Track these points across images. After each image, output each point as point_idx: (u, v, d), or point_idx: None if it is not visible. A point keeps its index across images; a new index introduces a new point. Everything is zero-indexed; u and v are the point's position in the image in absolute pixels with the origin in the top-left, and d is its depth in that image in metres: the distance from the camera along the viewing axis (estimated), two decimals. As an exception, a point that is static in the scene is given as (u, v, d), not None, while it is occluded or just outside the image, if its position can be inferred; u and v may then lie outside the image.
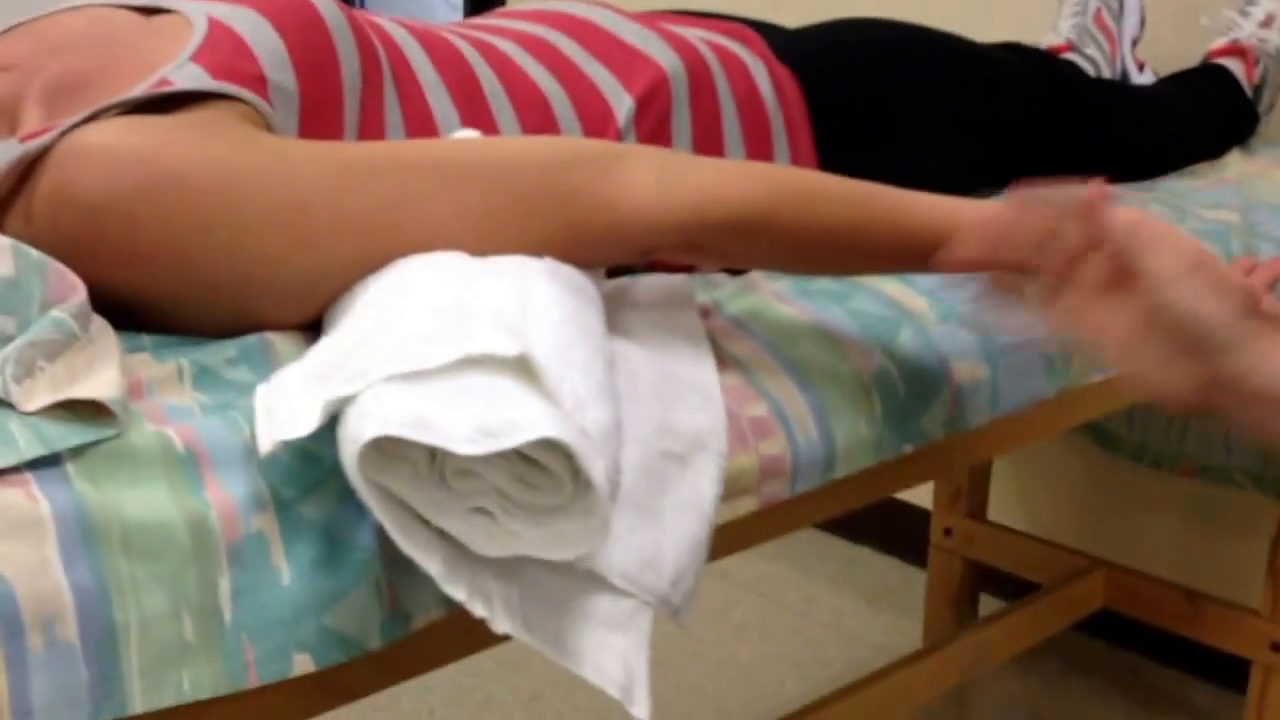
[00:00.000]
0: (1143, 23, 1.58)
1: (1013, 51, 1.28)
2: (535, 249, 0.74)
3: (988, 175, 1.21)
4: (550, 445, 0.57)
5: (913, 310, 0.91)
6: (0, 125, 0.73)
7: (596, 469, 0.58)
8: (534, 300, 0.69)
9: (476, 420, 0.56)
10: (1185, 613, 1.67)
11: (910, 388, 0.86)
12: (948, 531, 1.97)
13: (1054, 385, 0.95)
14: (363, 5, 3.59)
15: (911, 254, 0.77)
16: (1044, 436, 1.01)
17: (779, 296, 0.91)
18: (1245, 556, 1.83)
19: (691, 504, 0.73)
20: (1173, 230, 0.69)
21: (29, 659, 0.51)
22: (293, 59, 0.80)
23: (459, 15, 2.99)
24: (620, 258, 0.77)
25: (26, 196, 0.70)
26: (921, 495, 2.21)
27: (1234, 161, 1.38)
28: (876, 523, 2.33)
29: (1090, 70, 1.47)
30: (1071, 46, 1.49)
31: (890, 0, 2.11)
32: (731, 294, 0.91)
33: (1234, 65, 1.45)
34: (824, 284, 0.95)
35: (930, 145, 1.11)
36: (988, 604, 2.05)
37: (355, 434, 0.56)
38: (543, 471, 0.58)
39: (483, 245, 0.73)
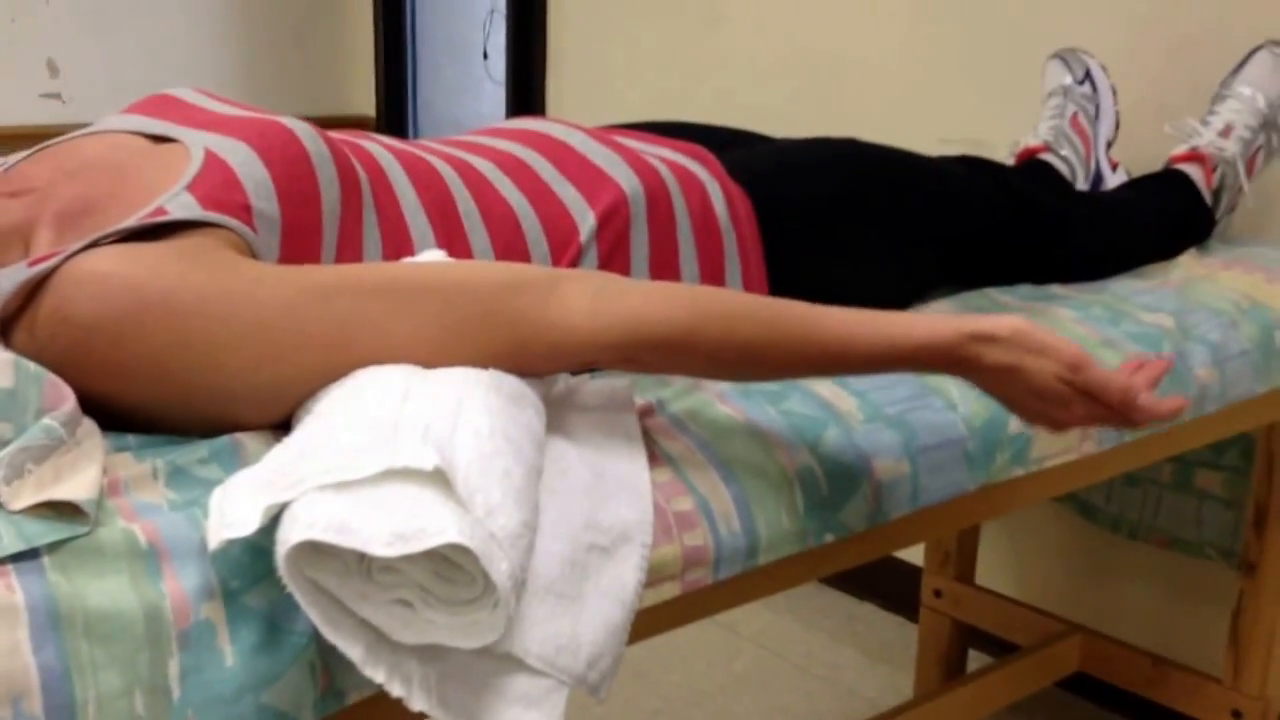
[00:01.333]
0: (1117, 125, 1.65)
1: (965, 164, 1.36)
2: (484, 363, 0.83)
3: (941, 281, 1.29)
4: (461, 547, 0.66)
5: (841, 411, 0.99)
6: (16, 247, 0.84)
7: (499, 569, 0.66)
8: (466, 411, 0.78)
9: (393, 526, 0.65)
10: (1153, 678, 1.72)
11: (832, 483, 0.94)
12: (938, 593, 2.03)
13: (975, 479, 1.02)
14: (414, 68, 3.72)
15: (824, 363, 0.85)
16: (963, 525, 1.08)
17: (720, 397, 0.99)
18: (1212, 624, 1.88)
19: (613, 591, 0.81)
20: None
21: (-4, 731, 0.60)
22: (277, 189, 0.90)
23: (502, 89, 3.11)
24: (563, 368, 0.86)
25: (31, 314, 0.80)
26: (917, 554, 2.27)
27: (1184, 263, 1.44)
28: (876, 579, 2.39)
29: (1065, 170, 1.54)
30: (1048, 148, 1.57)
31: (892, 108, 2.20)
32: (677, 393, 1.00)
33: (1193, 171, 1.51)
34: (763, 386, 1.03)
35: (880, 258, 1.18)
36: (976, 659, 2.10)
37: (286, 536, 0.65)
38: (457, 568, 0.67)
39: (435, 359, 0.82)
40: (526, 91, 2.99)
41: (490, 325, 0.82)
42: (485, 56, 3.53)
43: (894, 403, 1.01)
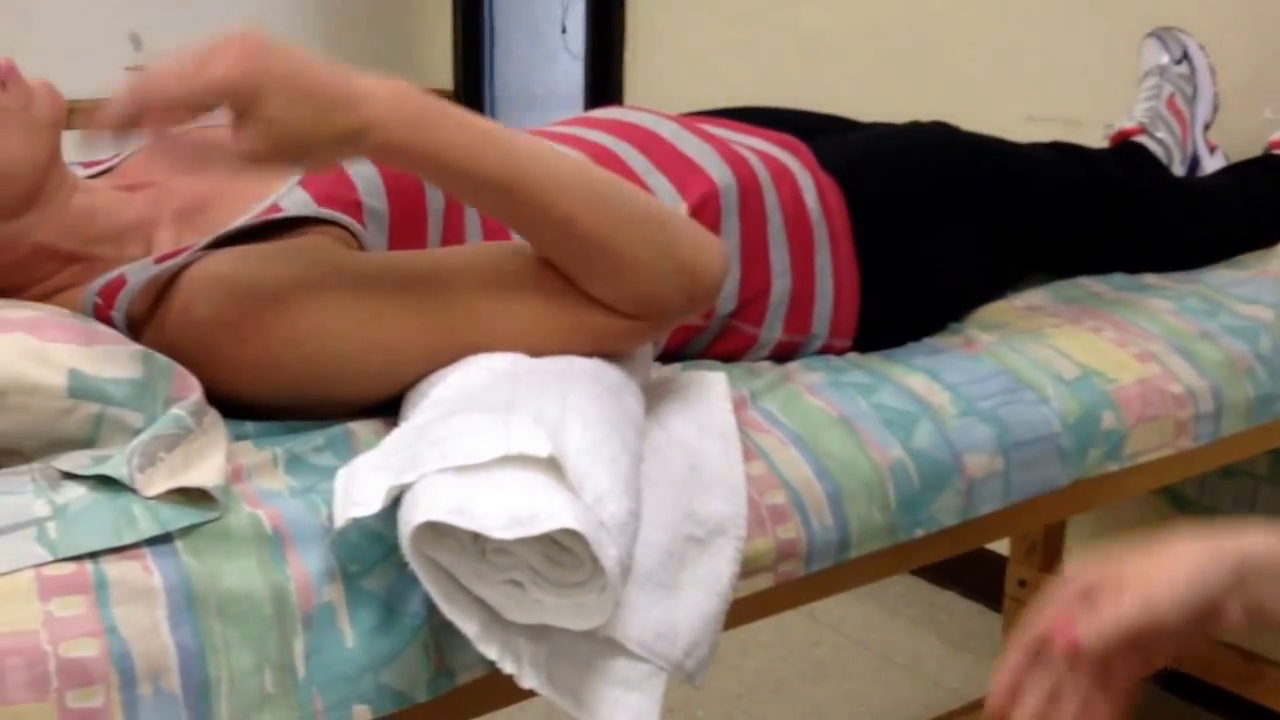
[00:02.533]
0: (1216, 108, 1.62)
1: (1057, 150, 1.35)
2: (577, 351, 0.86)
3: (1033, 268, 1.29)
4: (571, 532, 0.68)
5: (934, 404, 1.00)
6: (138, 242, 0.88)
7: (609, 555, 0.69)
8: (573, 399, 0.80)
9: (509, 510, 0.68)
10: (1246, 674, 1.70)
11: (924, 477, 0.95)
12: (1022, 583, 2.02)
13: (1067, 475, 1.03)
14: (491, 42, 3.76)
15: None
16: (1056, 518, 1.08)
17: (810, 389, 1.01)
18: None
19: (709, 583, 0.83)
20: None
21: (140, 705, 0.64)
22: (386, 185, 0.93)
23: (579, 65, 3.12)
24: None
25: (161, 311, 0.84)
26: (1002, 543, 2.26)
27: (1280, 253, 1.42)
28: (960, 568, 2.39)
29: (1161, 154, 1.52)
30: (1143, 129, 1.55)
31: (978, 85, 2.18)
32: (768, 385, 1.01)
33: (1292, 156, 1.49)
34: (855, 377, 1.04)
35: (971, 246, 1.19)
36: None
37: (409, 516, 0.68)
38: (566, 552, 0.70)
39: (537, 342, 0.85)
40: (604, 66, 2.99)
41: (576, 327, 0.86)
42: (564, 30, 3.55)
43: (987, 396, 1.02)
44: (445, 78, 3.73)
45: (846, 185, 1.13)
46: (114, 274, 0.86)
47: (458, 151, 0.78)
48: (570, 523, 0.67)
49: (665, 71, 2.89)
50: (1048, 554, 2.02)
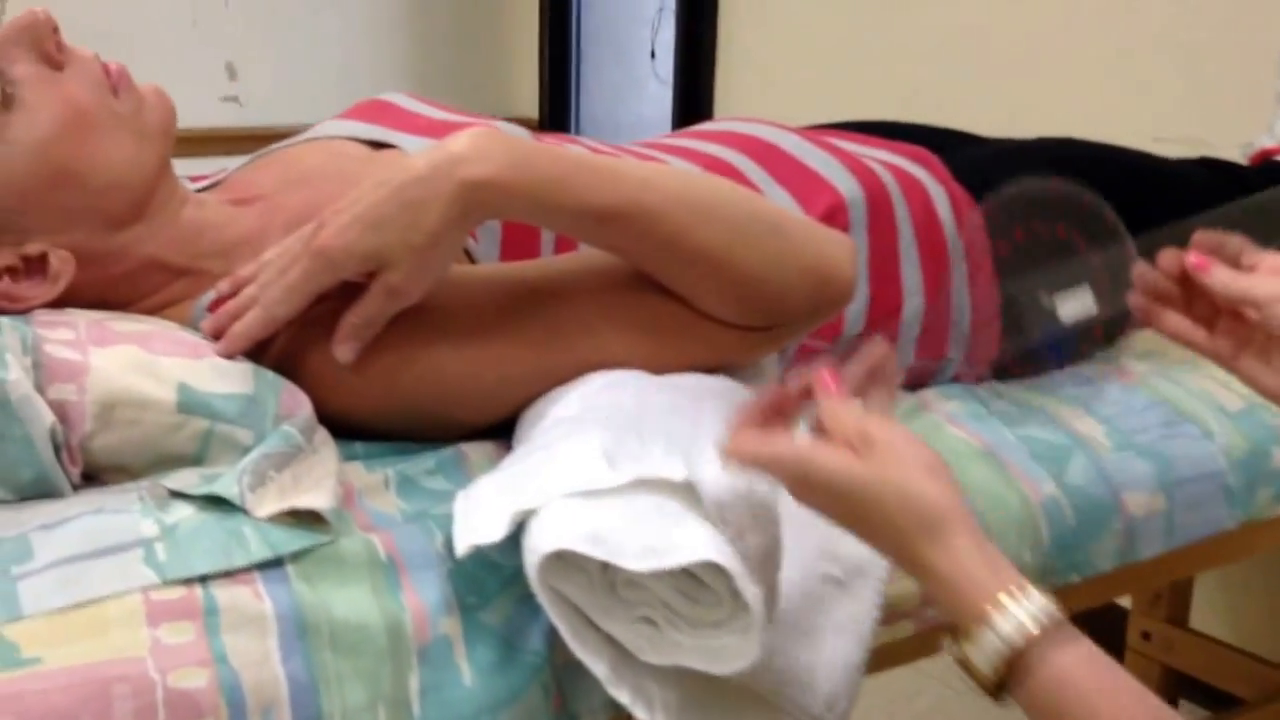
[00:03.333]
0: (1359, 125, 1.52)
1: (1205, 166, 1.27)
2: (698, 365, 0.81)
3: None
4: (711, 565, 0.62)
5: (1087, 436, 0.92)
6: (246, 257, 0.84)
7: (752, 592, 0.63)
8: (706, 421, 0.75)
9: (645, 539, 0.62)
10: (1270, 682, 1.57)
11: (1081, 517, 0.88)
12: (1146, 635, 1.90)
13: (1234, 517, 0.94)
14: (577, 69, 3.75)
15: None
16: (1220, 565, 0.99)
17: (950, 419, 0.94)
18: None
19: (849, 628, 0.77)
20: None
21: (249, 742, 0.59)
22: None
23: (668, 90, 3.09)
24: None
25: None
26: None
27: None
28: (1076, 617, 2.26)
29: None
30: (1285, 149, 1.46)
31: (1090, 94, 2.09)
32: (903, 414, 0.95)
33: None
34: (998, 407, 0.97)
35: None
36: (1188, 710, 1.96)
37: (537, 544, 0.63)
38: (704, 588, 0.64)
39: (652, 364, 0.80)
40: (694, 91, 2.94)
41: (689, 341, 0.81)
42: (653, 55, 3.52)
43: (1144, 430, 0.94)
44: (531, 106, 3.72)
45: (983, 199, 1.06)
46: None
47: (549, 187, 0.74)
48: (713, 555, 0.61)
49: (756, 95, 2.83)
50: (1174, 605, 1.90)
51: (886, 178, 1.05)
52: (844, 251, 0.82)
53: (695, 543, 0.62)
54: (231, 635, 0.60)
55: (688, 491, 0.65)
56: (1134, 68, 2.04)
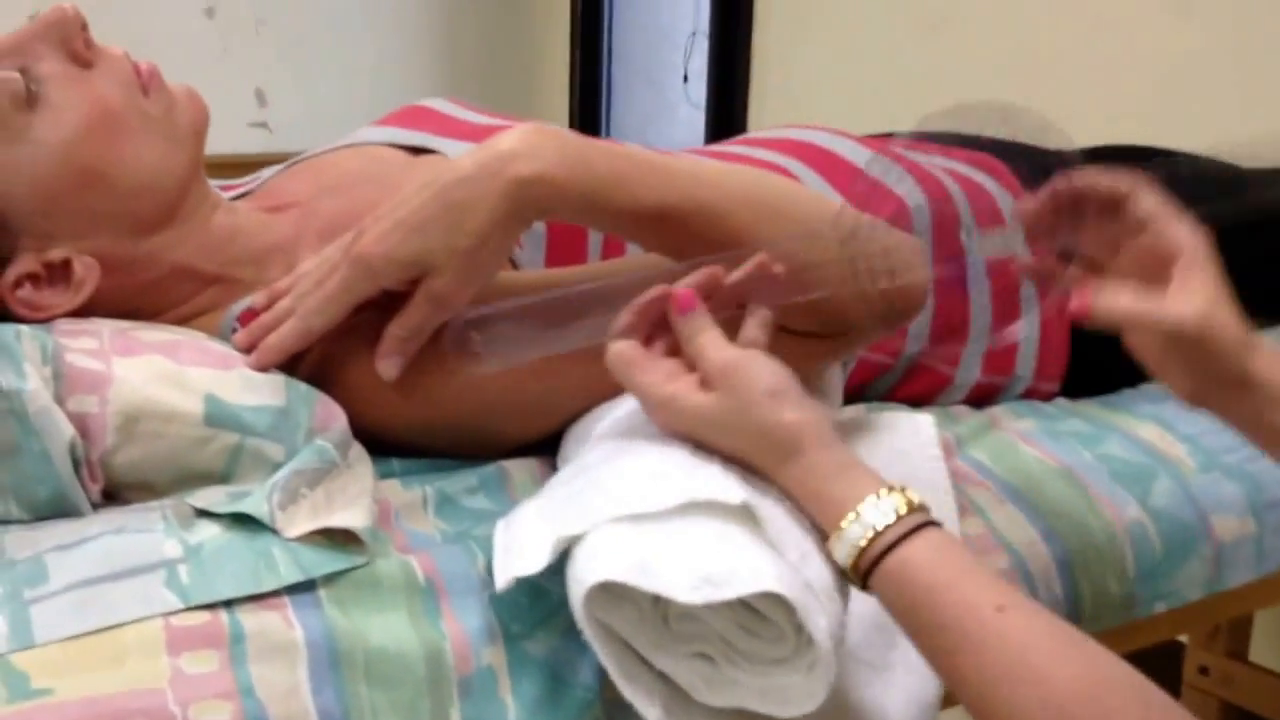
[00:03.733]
0: None
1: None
2: None
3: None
4: (772, 597, 0.57)
5: (1170, 457, 0.86)
6: (280, 265, 0.80)
7: (819, 625, 0.57)
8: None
9: (699, 568, 0.57)
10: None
11: (1167, 542, 0.82)
12: (1203, 670, 1.82)
13: (1330, 544, 0.88)
14: (608, 93, 3.72)
15: None
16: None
17: (1024, 437, 0.88)
18: None
19: (922, 663, 0.71)
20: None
21: (275, 781, 0.54)
22: None
23: (700, 114, 3.05)
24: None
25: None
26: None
27: None
28: (1130, 651, 2.18)
29: None
30: None
31: (1162, 112, 2.02)
32: (972, 431, 0.89)
33: None
34: (1073, 425, 0.91)
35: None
36: (1249, 745, 1.88)
37: (582, 575, 0.58)
38: (765, 621, 0.58)
39: None
40: (727, 115, 2.89)
41: None
42: (685, 79, 3.49)
43: (1230, 450, 0.88)
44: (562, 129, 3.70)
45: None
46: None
47: (604, 184, 0.70)
48: (774, 585, 0.56)
49: (791, 120, 2.78)
50: (1233, 638, 1.82)
51: (950, 185, 1.00)
52: (914, 256, 0.77)
53: (755, 572, 0.56)
54: (258, 665, 0.56)
55: (746, 515, 0.60)
56: (1188, 79, 1.96)
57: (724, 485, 0.60)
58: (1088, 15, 2.10)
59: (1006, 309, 0.99)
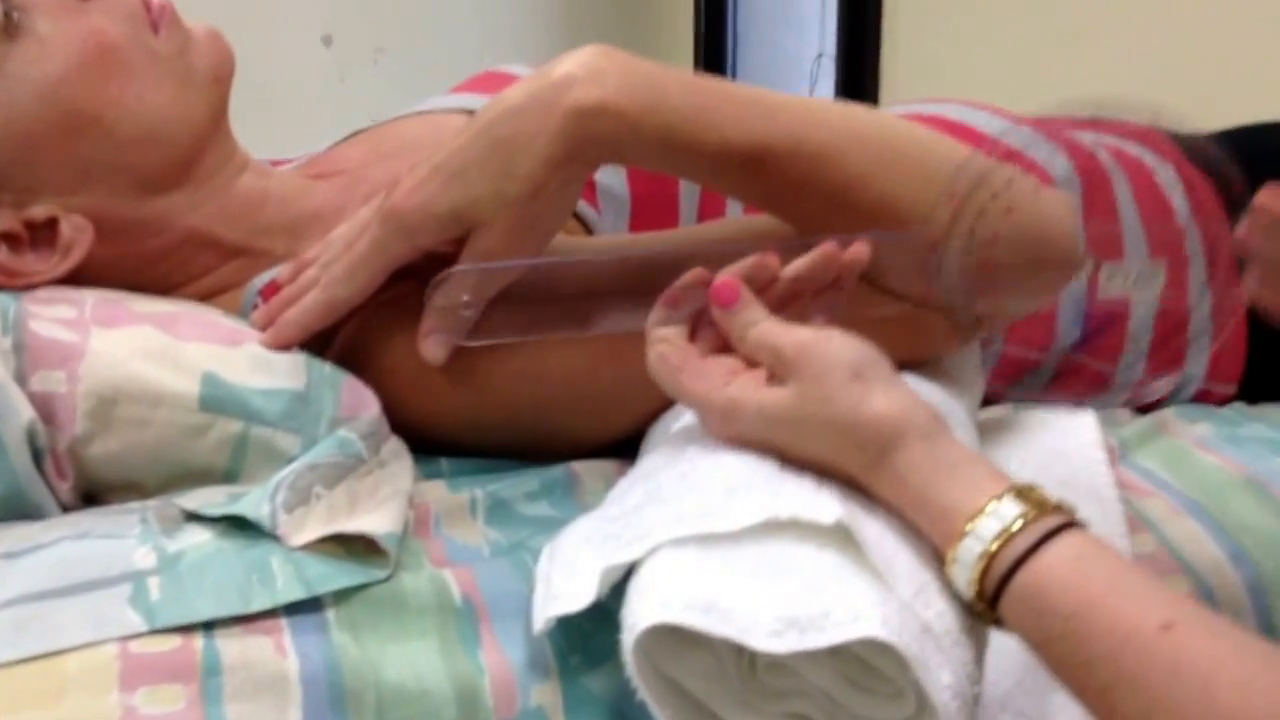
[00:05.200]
0: None
1: None
2: None
3: None
4: (886, 648, 0.43)
5: (1386, 465, 0.70)
6: (318, 234, 0.69)
7: (938, 683, 0.43)
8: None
9: (782, 608, 0.43)
10: None
11: (1389, 567, 0.65)
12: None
13: None
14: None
15: None
16: None
17: (1200, 444, 0.73)
18: None
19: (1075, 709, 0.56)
20: None
21: None
22: None
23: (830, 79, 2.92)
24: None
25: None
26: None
27: None
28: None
29: None
30: None
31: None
32: (1139, 436, 0.74)
33: None
34: (1256, 430, 0.75)
35: None
36: None
37: (633, 618, 0.44)
38: (874, 673, 0.44)
39: None
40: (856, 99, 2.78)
41: None
42: (819, 57, 3.38)
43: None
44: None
45: (1222, 182, 0.86)
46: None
47: (683, 116, 0.56)
48: (876, 630, 0.42)
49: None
50: None
51: (1103, 156, 0.85)
52: (1060, 207, 0.63)
53: (853, 612, 0.43)
54: (237, 704, 0.43)
55: (841, 538, 0.46)
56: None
57: (815, 501, 0.47)
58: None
59: (1172, 294, 0.83)
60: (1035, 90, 2.30)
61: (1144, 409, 0.83)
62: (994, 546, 0.44)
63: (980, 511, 0.45)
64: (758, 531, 0.46)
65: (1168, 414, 0.80)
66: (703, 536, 0.46)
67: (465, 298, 0.58)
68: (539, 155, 0.55)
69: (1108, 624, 0.42)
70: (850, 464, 0.48)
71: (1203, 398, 0.85)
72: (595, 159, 0.57)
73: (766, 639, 0.42)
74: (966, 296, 0.62)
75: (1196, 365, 0.84)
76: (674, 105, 0.56)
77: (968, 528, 0.45)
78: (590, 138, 0.56)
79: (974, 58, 2.48)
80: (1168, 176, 0.86)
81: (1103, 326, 0.82)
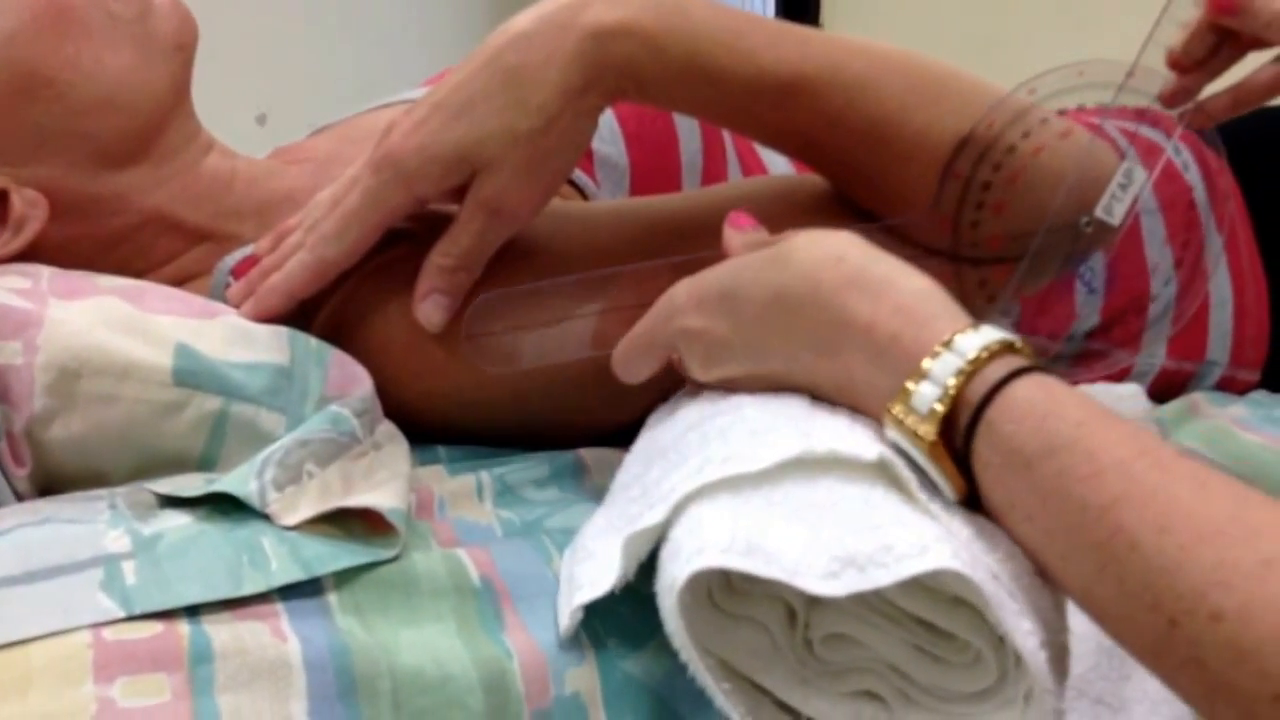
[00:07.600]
0: None
1: None
2: None
3: None
4: (956, 602, 0.38)
5: None
6: (291, 215, 0.63)
7: (1020, 629, 0.37)
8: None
9: (836, 545, 0.37)
10: None
11: None
12: None
13: None
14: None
15: None
16: None
17: (1240, 423, 0.69)
18: None
19: (1167, 702, 0.51)
20: None
21: None
22: (625, 131, 0.68)
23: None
24: None
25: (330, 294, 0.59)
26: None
27: None
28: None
29: None
30: None
31: None
32: (1176, 416, 0.70)
33: None
34: (1290, 410, 0.72)
35: None
36: None
37: (670, 580, 0.39)
38: (949, 640, 0.39)
39: None
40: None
41: None
42: None
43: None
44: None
45: (1238, 163, 0.83)
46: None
47: (712, 40, 0.52)
48: (948, 561, 0.36)
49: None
50: None
51: (1113, 134, 0.82)
52: (1088, 156, 0.59)
53: (921, 544, 0.37)
54: (232, 694, 0.37)
55: (889, 477, 0.41)
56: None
57: (852, 436, 0.41)
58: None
59: (1194, 278, 0.80)
60: (979, 12, 2.26)
61: (1168, 399, 0.79)
62: (979, 355, 0.39)
63: (946, 337, 0.40)
64: (795, 472, 0.40)
65: (1197, 397, 0.76)
66: (734, 479, 0.41)
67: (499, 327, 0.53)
68: (553, 84, 0.50)
69: (1125, 431, 0.37)
70: (824, 277, 0.43)
71: (1225, 386, 0.82)
72: (614, 88, 0.52)
73: (821, 581, 0.37)
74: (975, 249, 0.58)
75: (1219, 351, 0.80)
76: (702, 28, 0.52)
77: (925, 361, 0.40)
78: (609, 63, 0.51)
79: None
80: (1182, 156, 0.84)
81: (1122, 310, 0.78)
